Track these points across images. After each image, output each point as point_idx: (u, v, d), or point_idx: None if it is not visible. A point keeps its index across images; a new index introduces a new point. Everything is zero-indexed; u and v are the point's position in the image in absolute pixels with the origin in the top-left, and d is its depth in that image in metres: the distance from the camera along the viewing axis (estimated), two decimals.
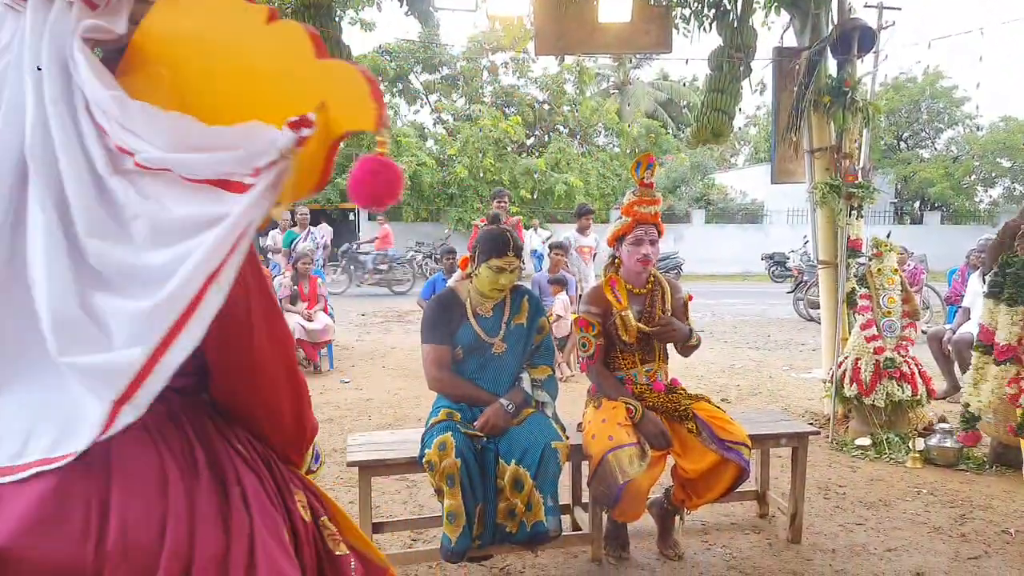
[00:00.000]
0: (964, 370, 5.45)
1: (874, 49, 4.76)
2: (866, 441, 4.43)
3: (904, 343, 4.55)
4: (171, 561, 0.94)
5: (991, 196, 26.34)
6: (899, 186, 25.23)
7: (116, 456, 0.98)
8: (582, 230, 7.41)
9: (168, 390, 0.97)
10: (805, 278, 10.92)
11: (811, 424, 4.62)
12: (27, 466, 0.93)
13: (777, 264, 17.32)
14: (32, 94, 0.95)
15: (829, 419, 4.69)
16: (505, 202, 7.15)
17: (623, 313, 2.82)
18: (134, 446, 0.99)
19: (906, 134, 26.88)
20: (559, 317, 6.39)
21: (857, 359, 4.52)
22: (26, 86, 0.95)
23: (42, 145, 0.93)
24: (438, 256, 10.26)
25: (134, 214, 0.93)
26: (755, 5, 5.21)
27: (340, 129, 0.97)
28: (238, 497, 1.04)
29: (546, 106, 22.16)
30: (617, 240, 2.92)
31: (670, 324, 2.82)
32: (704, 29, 5.33)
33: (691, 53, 7.92)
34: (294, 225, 8.80)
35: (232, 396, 1.11)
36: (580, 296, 6.37)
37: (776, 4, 5.43)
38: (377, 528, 2.84)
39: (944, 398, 5.55)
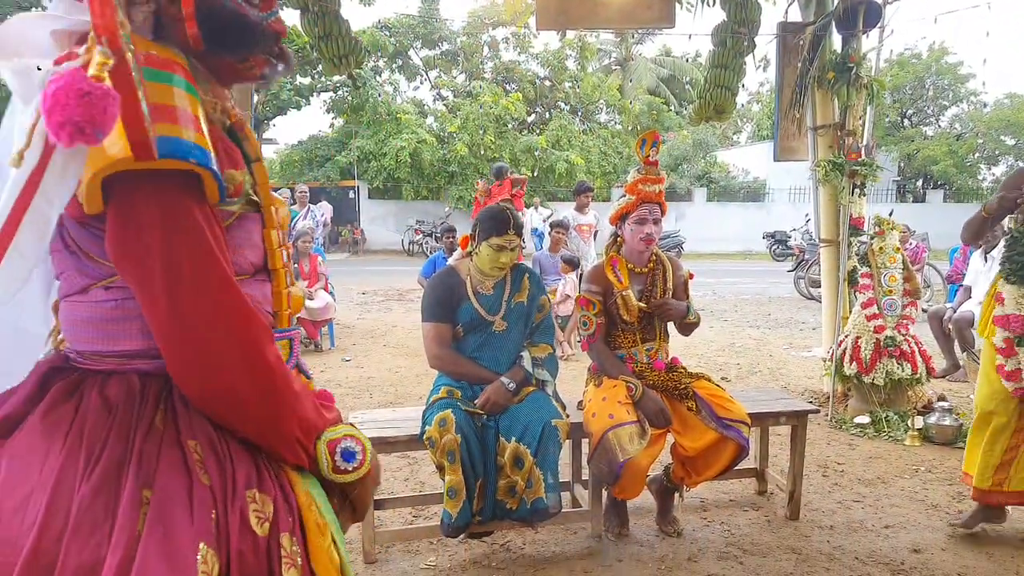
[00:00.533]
0: (964, 349, 5.47)
1: (879, 24, 4.70)
2: (865, 419, 4.45)
3: (905, 322, 4.55)
4: (29, 566, 0.86)
5: (994, 174, 26.18)
6: (902, 164, 25.07)
7: (16, 441, 0.96)
8: (581, 208, 7.38)
9: (132, 373, 0.99)
10: (806, 257, 10.90)
11: (810, 402, 4.64)
12: None
13: (778, 243, 17.28)
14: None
15: (828, 397, 4.71)
16: (509, 179, 7.10)
17: (624, 293, 2.82)
18: (38, 433, 0.95)
19: (910, 111, 26.65)
20: (567, 297, 6.39)
21: (857, 338, 4.52)
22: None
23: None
24: (438, 234, 10.23)
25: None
26: None
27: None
28: (134, 502, 0.91)
29: (547, 82, 21.97)
30: (620, 219, 2.90)
31: (666, 303, 2.83)
32: (707, 4, 5.25)
33: (694, 28, 7.83)
34: (294, 204, 8.77)
35: (178, 378, 1.00)
36: (580, 275, 6.37)
37: None
38: (378, 505, 2.86)
39: (944, 377, 5.57)
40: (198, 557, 0.89)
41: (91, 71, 0.79)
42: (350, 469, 1.08)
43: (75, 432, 0.95)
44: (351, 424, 1.09)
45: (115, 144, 0.84)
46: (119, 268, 0.96)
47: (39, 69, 0.88)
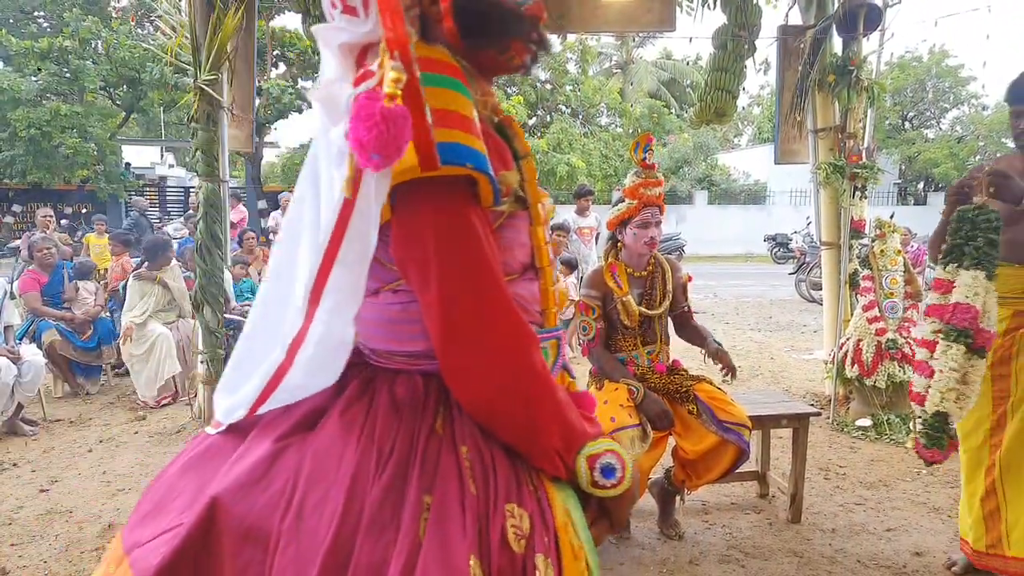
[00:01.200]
0: None
1: (880, 27, 4.70)
2: (867, 422, 4.44)
3: (906, 324, 4.54)
4: (328, 559, 0.90)
5: None
6: (903, 166, 25.06)
7: (319, 436, 0.99)
8: (581, 211, 7.38)
9: (416, 373, 1.03)
10: (808, 259, 10.89)
11: (812, 405, 4.64)
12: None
13: (780, 245, 17.26)
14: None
15: (830, 400, 4.70)
16: None
17: (624, 299, 2.82)
18: (337, 430, 0.99)
19: (911, 114, 26.64)
20: (570, 301, 6.38)
21: (859, 340, 4.52)
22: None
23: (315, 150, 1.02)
24: None
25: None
26: None
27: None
28: (417, 507, 0.93)
29: (548, 86, 21.99)
30: (620, 223, 2.90)
31: (724, 360, 2.92)
32: (708, 7, 5.26)
33: (695, 31, 7.84)
34: None
35: (449, 382, 1.00)
36: (581, 279, 6.37)
37: None
38: None
39: None
40: (470, 572, 0.89)
41: (386, 88, 0.81)
42: (608, 486, 1.03)
43: (368, 430, 0.98)
44: (611, 438, 1.07)
45: (405, 156, 0.85)
46: (402, 273, 1.00)
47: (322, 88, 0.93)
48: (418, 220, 0.94)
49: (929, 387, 2.34)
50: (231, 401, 1.08)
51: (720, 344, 2.95)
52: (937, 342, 2.34)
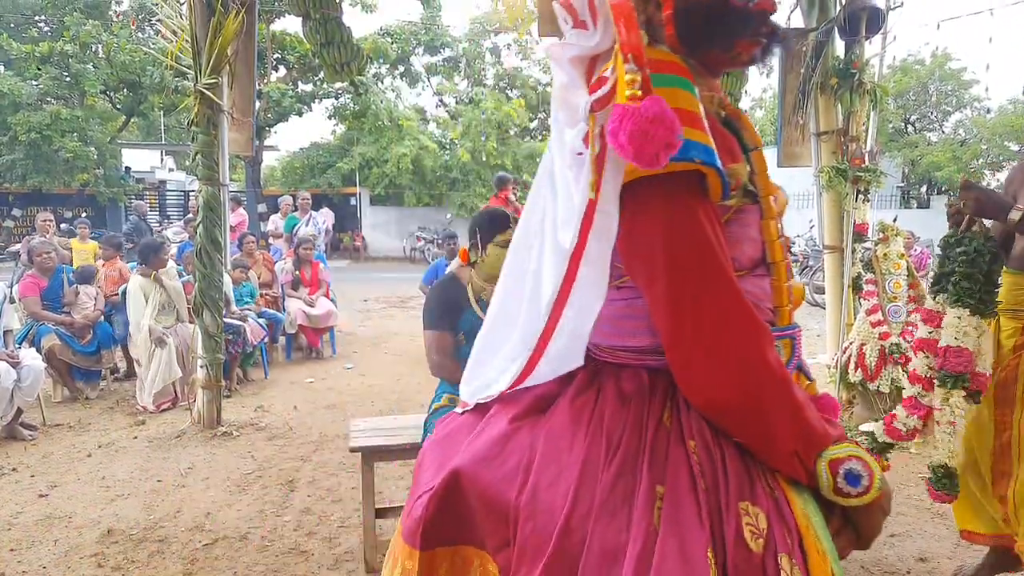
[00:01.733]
0: None
1: (882, 30, 4.69)
2: (870, 427, 4.40)
3: (910, 328, 4.51)
4: (562, 538, 0.93)
5: (999, 180, 26.15)
6: (906, 170, 25.03)
7: (551, 420, 1.05)
8: None
9: (642, 368, 1.05)
10: (810, 263, 10.87)
11: None
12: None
13: None
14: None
15: None
16: (508, 189, 7.07)
17: None
18: (567, 416, 1.04)
19: (913, 117, 26.62)
20: None
21: (862, 344, 4.49)
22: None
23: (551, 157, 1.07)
24: (440, 241, 10.21)
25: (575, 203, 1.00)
26: None
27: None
28: (649, 496, 0.93)
29: (549, 88, 21.96)
30: None
31: None
32: None
33: None
34: (295, 210, 8.76)
35: (678, 380, 0.99)
36: None
37: None
38: (380, 514, 2.83)
39: None
40: (708, 565, 0.88)
41: (626, 91, 0.86)
42: (854, 494, 0.96)
43: (596, 420, 1.01)
44: (856, 443, 1.01)
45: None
46: (628, 269, 1.01)
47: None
48: (646, 216, 0.95)
49: (913, 425, 2.30)
50: (475, 385, 1.19)
51: None
52: (930, 379, 2.26)
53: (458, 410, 1.21)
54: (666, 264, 0.94)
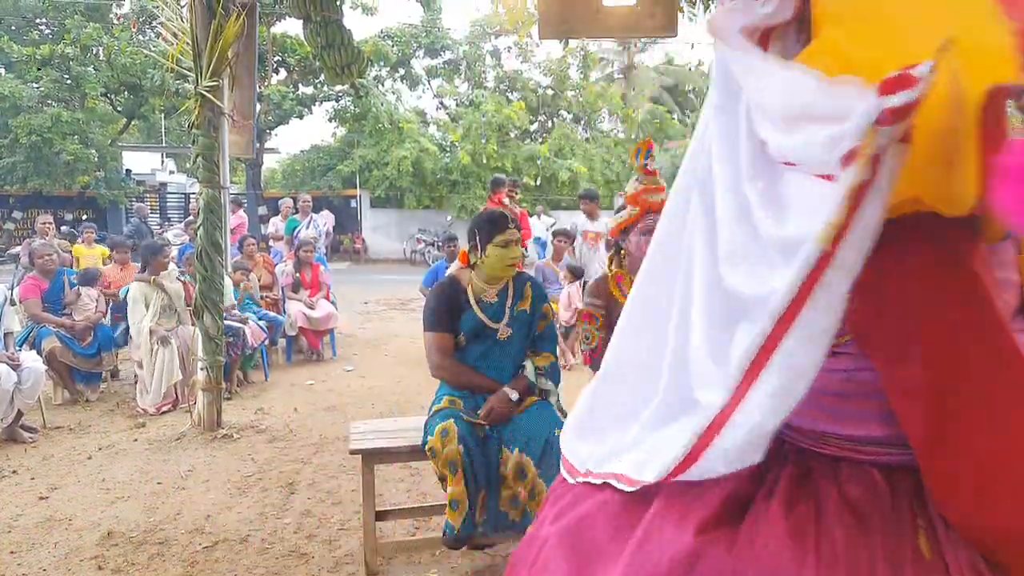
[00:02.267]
0: None
1: None
2: None
3: None
4: None
5: None
6: None
7: (759, 542, 0.77)
8: (591, 215, 7.32)
9: (869, 465, 0.79)
10: None
11: None
12: (604, 475, 0.92)
13: None
14: (707, 110, 0.85)
15: None
16: (503, 192, 7.02)
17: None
18: (783, 539, 0.76)
19: None
20: (575, 309, 6.37)
21: None
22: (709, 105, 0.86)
23: (704, 166, 0.82)
24: (440, 243, 10.22)
25: (762, 231, 0.73)
26: None
27: (977, 86, 0.62)
28: None
29: (550, 91, 22.00)
30: (623, 231, 2.88)
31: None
32: (710, 12, 5.26)
33: (697, 37, 7.85)
34: (296, 213, 8.77)
35: (935, 491, 0.74)
36: (584, 284, 6.35)
37: None
38: (380, 516, 2.83)
39: None
40: None
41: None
42: None
43: (826, 548, 0.75)
44: None
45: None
46: (855, 330, 0.75)
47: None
48: (904, 263, 0.71)
49: None
50: (594, 449, 0.95)
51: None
52: None
53: (571, 478, 0.97)
54: (930, 333, 0.69)
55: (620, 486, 0.89)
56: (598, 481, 0.94)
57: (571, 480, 0.99)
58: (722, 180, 0.79)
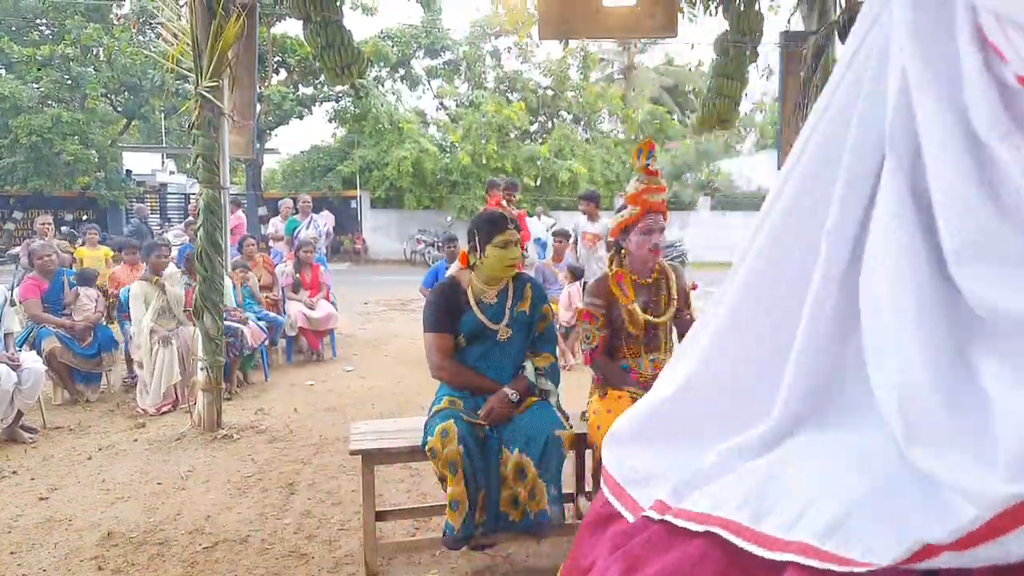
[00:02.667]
0: None
1: None
2: None
3: None
4: None
5: None
6: None
7: None
8: (590, 216, 7.32)
9: None
10: None
11: None
12: (787, 546, 0.68)
13: None
14: (896, 78, 0.70)
15: None
16: (498, 194, 6.99)
17: (630, 307, 2.79)
18: None
19: None
20: (576, 309, 6.37)
21: None
22: (888, 72, 0.71)
23: (902, 129, 0.66)
24: (440, 244, 10.23)
25: None
26: None
27: None
28: None
29: (550, 92, 22.01)
30: (623, 230, 2.88)
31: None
32: (710, 13, 5.27)
33: (697, 38, 7.85)
34: (296, 213, 8.77)
35: None
36: (584, 284, 6.35)
37: None
38: (380, 516, 2.83)
39: None
40: None
41: None
42: None
43: None
44: None
45: None
46: None
47: None
48: None
49: None
50: (657, 465, 0.81)
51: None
52: None
53: (653, 512, 0.81)
54: None
55: (751, 548, 0.68)
56: (693, 525, 0.74)
57: (622, 510, 0.83)
58: (939, 141, 0.60)
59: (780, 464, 0.74)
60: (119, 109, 19.17)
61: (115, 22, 18.00)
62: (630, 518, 0.88)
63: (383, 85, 20.67)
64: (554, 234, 7.19)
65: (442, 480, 2.48)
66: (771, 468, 0.73)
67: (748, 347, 0.80)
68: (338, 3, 4.93)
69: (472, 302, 2.71)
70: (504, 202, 6.77)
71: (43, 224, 7.15)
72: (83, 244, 8.08)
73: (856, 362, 0.71)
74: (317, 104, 19.43)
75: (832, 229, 0.72)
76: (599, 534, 0.90)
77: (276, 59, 18.16)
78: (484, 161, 18.73)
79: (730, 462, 0.77)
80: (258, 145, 16.82)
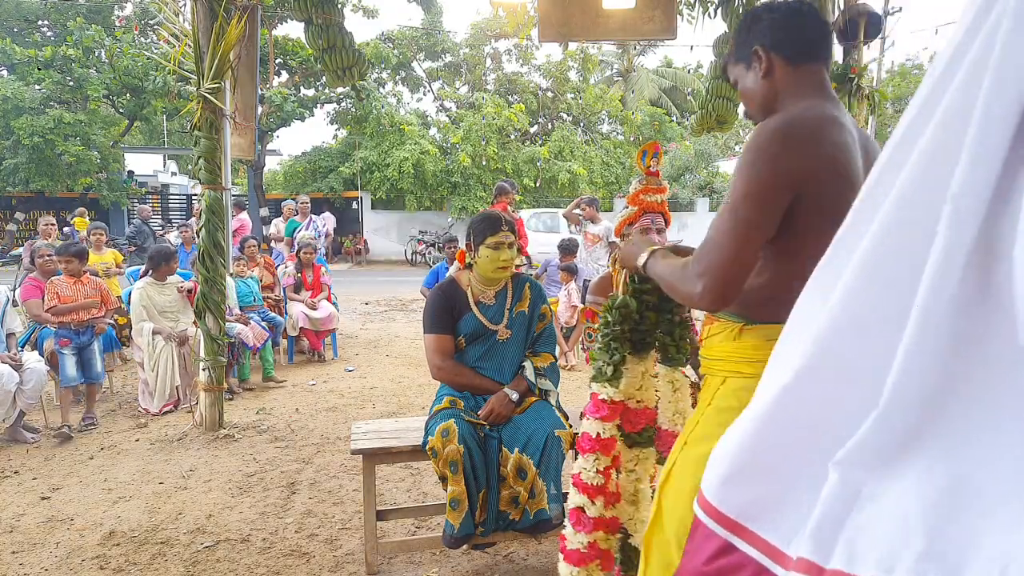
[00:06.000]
0: None
1: (881, 35, 4.72)
2: None
3: None
4: None
5: None
6: None
7: None
8: (591, 217, 7.34)
9: None
10: None
11: None
12: None
13: None
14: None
15: None
16: (506, 200, 6.99)
17: None
18: None
19: None
20: (574, 307, 6.38)
21: None
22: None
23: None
24: (441, 245, 10.25)
25: None
26: None
27: None
28: None
29: (549, 94, 22.04)
30: (623, 230, 2.90)
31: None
32: (709, 15, 5.28)
33: (696, 40, 7.87)
34: (296, 214, 8.79)
35: None
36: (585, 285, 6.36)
37: None
38: (381, 516, 2.85)
39: None
40: None
41: None
42: None
43: None
44: None
45: None
46: None
47: None
48: None
49: None
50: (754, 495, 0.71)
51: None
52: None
53: (764, 560, 0.72)
54: None
55: None
56: None
57: (761, 557, 0.72)
58: None
59: (924, 498, 0.61)
60: (121, 110, 19.19)
61: (117, 24, 18.03)
62: (778, 571, 0.73)
63: (384, 87, 20.71)
64: (561, 269, 6.91)
65: (443, 479, 2.50)
66: (915, 502, 0.60)
67: (863, 347, 0.68)
68: (339, 5, 4.95)
69: (472, 303, 2.73)
70: (510, 207, 6.79)
71: (47, 225, 7.17)
72: (89, 246, 7.93)
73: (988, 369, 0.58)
74: (318, 106, 19.46)
75: (961, 190, 0.59)
76: None
77: (278, 61, 18.18)
78: (484, 163, 18.75)
79: (853, 481, 0.65)
80: (259, 146, 16.85)
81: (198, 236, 4.62)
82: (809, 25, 1.43)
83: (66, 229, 9.94)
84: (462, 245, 3.08)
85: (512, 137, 19.89)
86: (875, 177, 0.70)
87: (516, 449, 2.51)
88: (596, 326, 2.85)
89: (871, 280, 0.66)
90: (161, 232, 14.56)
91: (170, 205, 21.52)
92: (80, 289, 5.03)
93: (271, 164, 22.28)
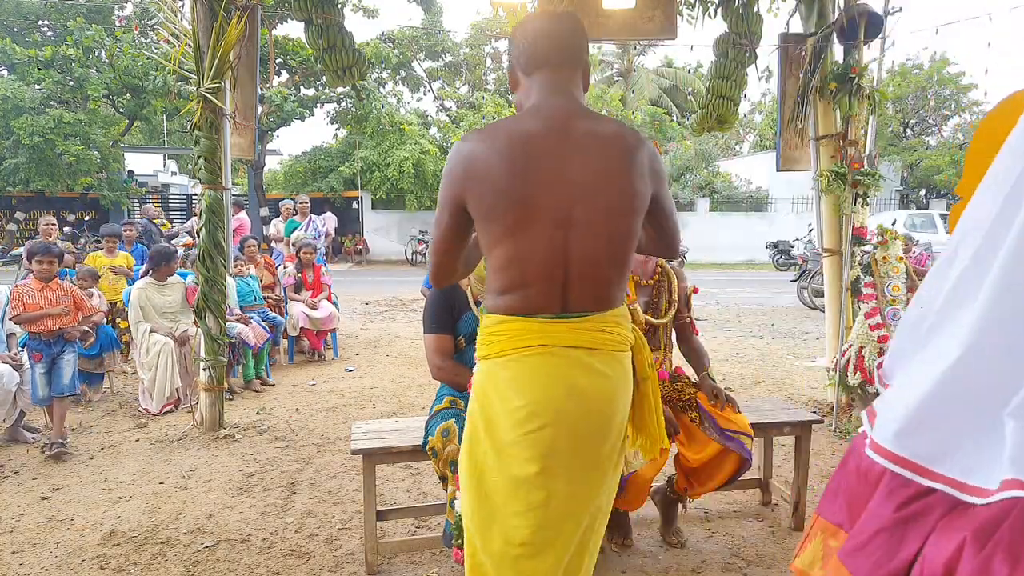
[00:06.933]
0: None
1: (881, 35, 4.71)
2: None
3: None
4: None
5: None
6: (905, 173, 25.07)
7: None
8: None
9: None
10: (809, 266, 10.88)
11: (815, 412, 4.62)
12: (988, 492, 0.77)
13: (781, 252, 17.26)
14: None
15: (833, 407, 4.68)
16: None
17: (631, 307, 2.81)
18: None
19: (912, 121, 26.66)
20: None
21: (861, 347, 4.51)
22: None
23: None
24: None
25: None
26: None
27: None
28: None
29: None
30: None
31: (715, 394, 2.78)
32: (709, 15, 5.28)
33: (696, 40, 7.86)
34: (295, 214, 8.78)
35: None
36: None
37: None
38: (381, 516, 2.85)
39: None
40: None
41: None
42: None
43: None
44: None
45: None
46: None
47: None
48: None
49: None
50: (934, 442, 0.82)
51: (715, 380, 2.88)
52: None
53: (1015, 492, 0.79)
54: None
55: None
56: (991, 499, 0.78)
57: (956, 492, 0.83)
58: None
59: None
60: (121, 110, 19.19)
61: (117, 24, 18.03)
62: (976, 501, 0.82)
63: (384, 87, 20.71)
64: None
65: (443, 479, 2.50)
66: None
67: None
68: (339, 5, 4.95)
69: (471, 303, 2.73)
70: None
71: (47, 225, 7.16)
72: (98, 250, 7.47)
73: None
74: (319, 105, 19.47)
75: None
76: (918, 523, 0.85)
77: (278, 61, 18.18)
78: None
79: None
80: (260, 146, 16.85)
81: (198, 236, 4.63)
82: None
83: (67, 229, 9.91)
84: None
85: None
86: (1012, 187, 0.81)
87: None
88: None
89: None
90: (171, 229, 14.56)
91: (170, 205, 21.52)
92: (47, 296, 4.51)
93: (271, 164, 22.28)
